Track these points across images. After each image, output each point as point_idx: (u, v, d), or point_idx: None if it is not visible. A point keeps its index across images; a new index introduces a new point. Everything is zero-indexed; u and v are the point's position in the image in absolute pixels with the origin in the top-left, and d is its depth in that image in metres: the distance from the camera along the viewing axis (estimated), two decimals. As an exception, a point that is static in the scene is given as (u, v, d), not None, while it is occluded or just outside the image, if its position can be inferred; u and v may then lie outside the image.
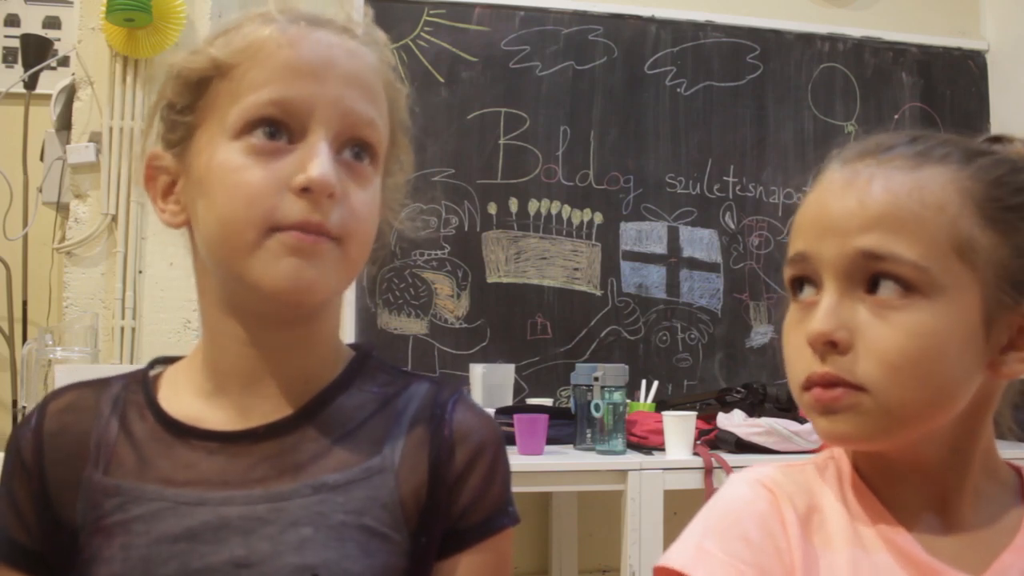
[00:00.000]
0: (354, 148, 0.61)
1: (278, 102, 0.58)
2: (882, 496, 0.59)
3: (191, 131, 0.62)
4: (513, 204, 2.33)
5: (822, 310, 0.55)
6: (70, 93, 1.92)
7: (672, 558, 0.58)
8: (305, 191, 0.57)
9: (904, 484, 0.59)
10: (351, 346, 0.71)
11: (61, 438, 0.64)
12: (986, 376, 0.56)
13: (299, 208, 0.57)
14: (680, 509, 1.76)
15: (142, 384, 0.66)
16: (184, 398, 0.65)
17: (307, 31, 0.60)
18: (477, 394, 1.98)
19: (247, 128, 0.58)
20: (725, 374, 2.37)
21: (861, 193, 0.55)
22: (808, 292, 0.58)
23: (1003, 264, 0.55)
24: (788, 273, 0.59)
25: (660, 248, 2.40)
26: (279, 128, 0.59)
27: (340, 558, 0.58)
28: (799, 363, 0.57)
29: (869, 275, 0.54)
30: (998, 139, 0.61)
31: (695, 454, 1.71)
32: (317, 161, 0.57)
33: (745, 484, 0.61)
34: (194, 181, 0.61)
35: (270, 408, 0.63)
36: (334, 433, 0.63)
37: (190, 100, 0.61)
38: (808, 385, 0.56)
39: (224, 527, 0.58)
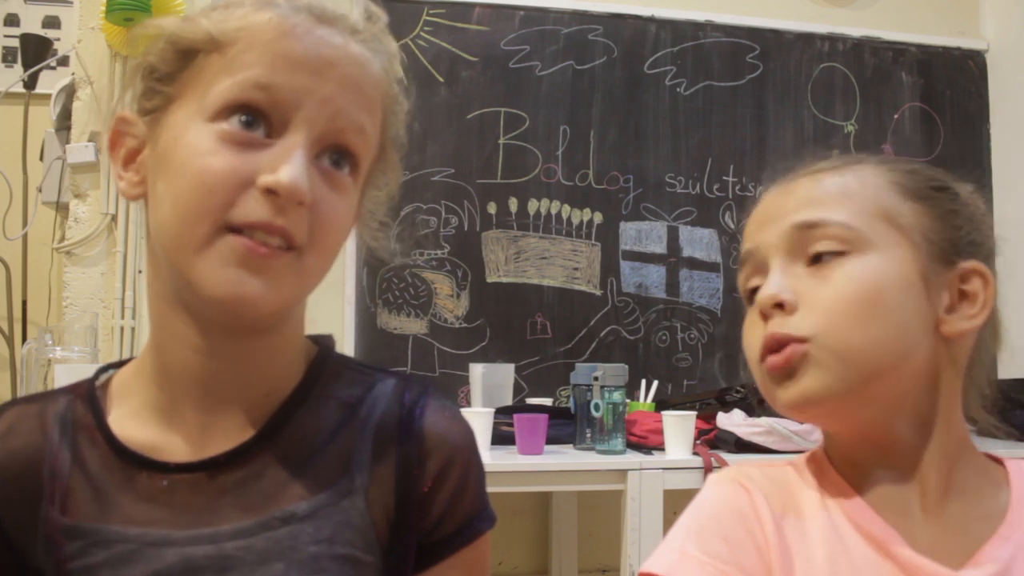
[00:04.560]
0: (335, 155, 0.57)
1: (265, 87, 0.54)
2: (860, 489, 0.60)
3: (168, 101, 0.57)
4: (513, 204, 2.33)
5: (769, 280, 0.60)
6: (70, 93, 1.92)
7: (654, 563, 0.59)
8: (271, 193, 0.53)
9: (880, 470, 0.59)
10: (310, 338, 0.66)
11: (8, 468, 0.58)
12: (936, 339, 0.59)
13: (261, 209, 0.53)
14: (680, 509, 1.75)
15: (89, 401, 0.61)
16: (138, 418, 0.60)
17: (311, 25, 0.56)
18: (477, 394, 1.98)
19: (225, 111, 0.54)
20: (725, 374, 2.37)
21: (790, 189, 0.63)
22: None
23: (928, 228, 0.60)
24: (741, 277, 0.65)
25: (660, 248, 2.40)
26: (258, 118, 0.54)
27: None
28: (754, 344, 0.61)
29: (808, 251, 0.60)
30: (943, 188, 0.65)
31: (695, 454, 1.71)
32: (289, 165, 0.53)
33: (722, 483, 0.63)
34: (159, 155, 0.56)
35: (230, 428, 0.59)
36: (299, 455, 0.59)
37: (173, 69, 0.57)
38: (763, 356, 0.59)
39: (192, 570, 0.54)
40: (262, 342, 0.60)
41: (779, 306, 0.59)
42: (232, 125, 0.54)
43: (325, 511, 0.57)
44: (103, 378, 0.63)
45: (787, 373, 0.58)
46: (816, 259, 0.59)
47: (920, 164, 0.64)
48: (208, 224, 0.53)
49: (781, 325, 0.58)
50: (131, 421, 0.60)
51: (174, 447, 0.58)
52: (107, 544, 0.55)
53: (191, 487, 0.57)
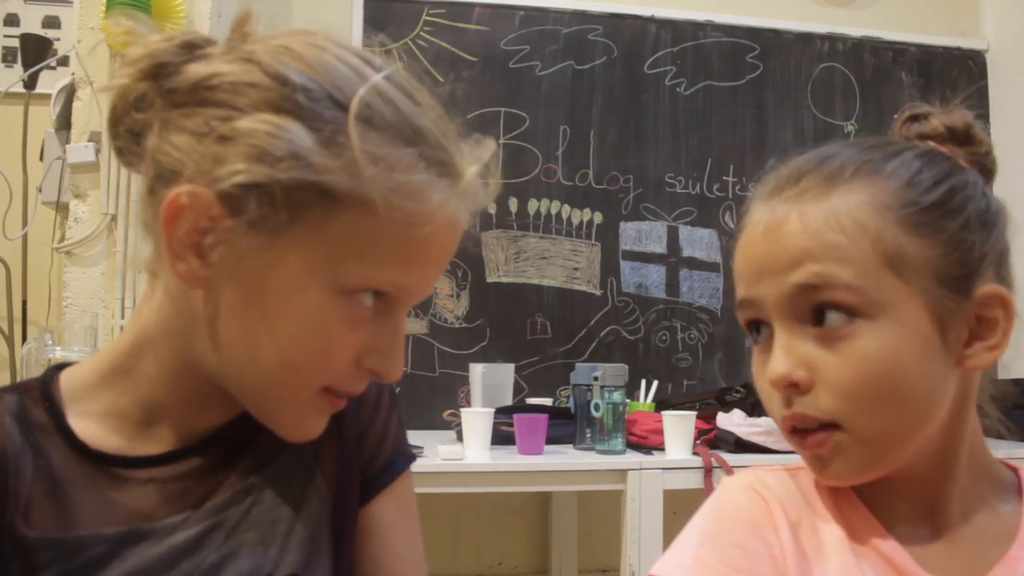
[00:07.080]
0: None
1: (401, 287, 0.56)
2: (871, 504, 0.59)
3: (282, 229, 0.51)
4: (513, 204, 2.33)
5: (776, 353, 0.56)
6: (70, 93, 1.92)
7: (666, 567, 0.58)
8: (373, 372, 0.58)
9: (892, 492, 0.59)
10: None
11: None
12: (957, 374, 0.56)
13: (360, 383, 0.58)
14: (680, 509, 1.76)
15: (43, 401, 0.58)
16: (105, 420, 0.59)
17: (463, 212, 0.57)
18: (477, 394, 1.98)
19: (357, 291, 0.54)
20: (725, 374, 2.37)
21: (781, 234, 0.56)
22: (764, 333, 0.59)
23: (936, 264, 0.54)
24: (741, 318, 0.61)
25: (660, 248, 2.40)
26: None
27: (284, 551, 0.59)
28: (773, 406, 0.59)
29: (811, 308, 0.55)
30: (915, 118, 0.62)
31: (695, 454, 1.71)
32: (399, 357, 0.58)
33: (738, 490, 0.61)
34: (258, 285, 0.53)
35: (204, 431, 0.61)
36: (255, 431, 0.61)
37: (304, 201, 0.51)
38: (789, 428, 0.58)
39: (176, 556, 0.56)
40: None
41: (792, 385, 0.56)
42: (361, 302, 0.54)
43: (280, 472, 0.62)
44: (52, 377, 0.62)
45: (817, 457, 0.57)
46: (820, 313, 0.55)
47: (917, 160, 0.57)
48: (313, 390, 0.57)
49: (802, 405, 0.55)
50: (96, 423, 0.59)
51: (146, 448, 0.59)
52: (83, 549, 0.54)
53: (162, 481, 0.58)
